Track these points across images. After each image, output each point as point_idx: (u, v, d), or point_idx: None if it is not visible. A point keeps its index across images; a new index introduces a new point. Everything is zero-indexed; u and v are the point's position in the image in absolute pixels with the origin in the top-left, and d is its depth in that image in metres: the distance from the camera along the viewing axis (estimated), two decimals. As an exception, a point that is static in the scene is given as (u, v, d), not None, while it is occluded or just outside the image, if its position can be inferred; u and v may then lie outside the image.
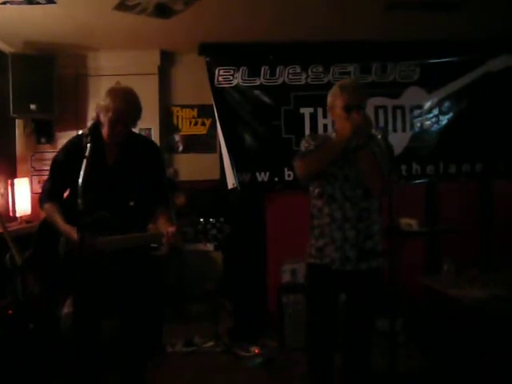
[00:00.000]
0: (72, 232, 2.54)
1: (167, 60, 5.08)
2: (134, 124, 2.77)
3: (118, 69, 4.84)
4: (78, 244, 2.41)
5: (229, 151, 4.67)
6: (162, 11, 3.91)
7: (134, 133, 2.92)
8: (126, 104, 2.62)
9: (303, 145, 2.78)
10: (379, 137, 2.67)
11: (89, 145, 2.44)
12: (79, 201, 2.34)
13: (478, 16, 4.22)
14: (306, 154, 2.72)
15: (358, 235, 2.68)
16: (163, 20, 4.11)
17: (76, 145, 2.66)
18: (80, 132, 2.74)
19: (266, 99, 4.77)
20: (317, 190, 2.77)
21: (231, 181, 4.70)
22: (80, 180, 2.36)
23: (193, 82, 5.01)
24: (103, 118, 2.64)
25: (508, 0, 3.93)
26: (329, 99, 2.76)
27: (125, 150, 2.77)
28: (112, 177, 2.74)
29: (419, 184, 4.86)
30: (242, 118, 4.74)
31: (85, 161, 2.40)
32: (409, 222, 4.54)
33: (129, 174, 2.77)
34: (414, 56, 4.83)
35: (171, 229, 2.56)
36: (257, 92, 4.76)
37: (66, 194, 2.84)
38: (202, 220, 2.53)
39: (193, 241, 2.59)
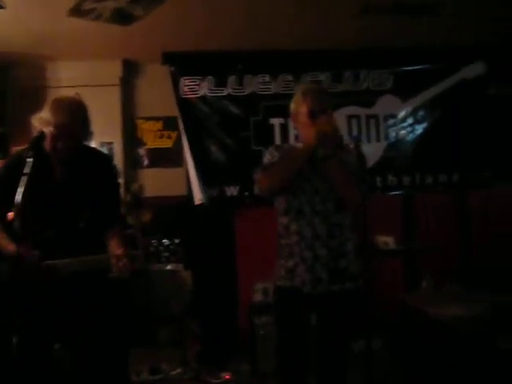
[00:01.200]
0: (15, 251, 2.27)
1: (130, 70, 4.84)
2: (84, 138, 2.52)
3: (79, 80, 4.58)
4: (23, 267, 2.16)
5: (195, 165, 4.44)
6: (121, 17, 3.69)
7: (86, 146, 2.66)
8: (70, 117, 2.36)
9: (266, 157, 2.58)
10: (351, 146, 2.47)
11: (29, 160, 2.19)
12: (16, 221, 2.08)
13: (451, 23, 4.11)
14: (269, 166, 2.52)
15: (330, 254, 2.46)
16: (124, 27, 3.89)
17: (17, 160, 2.40)
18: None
19: (234, 110, 4.56)
20: (283, 206, 2.56)
21: (198, 196, 4.46)
22: (18, 198, 2.11)
23: (157, 93, 4.77)
24: (46, 132, 2.38)
25: (480, 7, 3.83)
26: (292, 106, 2.57)
27: (74, 166, 2.51)
28: (59, 195, 2.48)
29: (395, 196, 4.68)
30: (209, 129, 4.52)
31: (25, 177, 2.15)
32: (385, 240, 4.31)
33: (78, 191, 2.50)
34: (387, 64, 4.69)
35: (119, 252, 2.31)
36: (224, 102, 4.55)
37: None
38: (154, 241, 2.28)
39: (146, 264, 2.34)
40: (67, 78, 4.63)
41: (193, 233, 4.63)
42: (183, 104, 4.49)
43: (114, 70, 4.73)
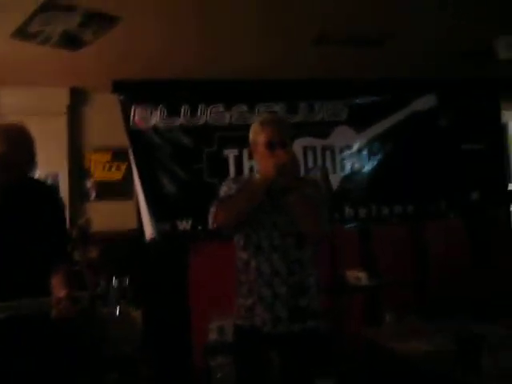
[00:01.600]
0: None
1: (78, 98, 4.62)
2: (28, 169, 2.32)
3: (23, 107, 4.33)
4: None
5: (146, 198, 4.24)
6: (70, 41, 3.49)
7: (30, 178, 2.45)
8: (10, 146, 2.16)
9: (223, 189, 2.49)
10: (318, 175, 2.38)
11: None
12: None
13: (402, 55, 4.13)
14: (225, 199, 2.41)
15: (290, 291, 2.36)
16: (72, 53, 3.70)
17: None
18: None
19: (187, 141, 4.42)
20: (241, 241, 2.44)
21: (149, 231, 4.25)
22: None
23: (107, 123, 4.55)
24: None
25: (428, 40, 3.86)
26: (250, 137, 2.48)
27: (13, 199, 2.29)
28: (-5, 229, 2.24)
29: (352, 228, 4.62)
30: (160, 161, 4.35)
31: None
32: (357, 275, 4.13)
33: (17, 226, 2.28)
34: (341, 95, 4.68)
35: (61, 294, 2.10)
36: (177, 133, 4.40)
37: None
38: (101, 282, 2.09)
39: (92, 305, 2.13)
40: (10, 105, 4.37)
41: (144, 269, 4.39)
42: (134, 134, 4.31)
43: (61, 97, 4.49)
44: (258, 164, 2.50)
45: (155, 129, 4.36)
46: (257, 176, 2.48)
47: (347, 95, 4.69)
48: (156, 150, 4.34)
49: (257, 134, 2.42)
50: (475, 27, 3.59)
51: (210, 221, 2.42)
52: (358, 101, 4.71)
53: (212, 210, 2.41)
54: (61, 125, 4.48)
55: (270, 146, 2.34)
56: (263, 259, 2.36)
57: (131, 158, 4.33)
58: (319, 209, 2.37)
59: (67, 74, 4.27)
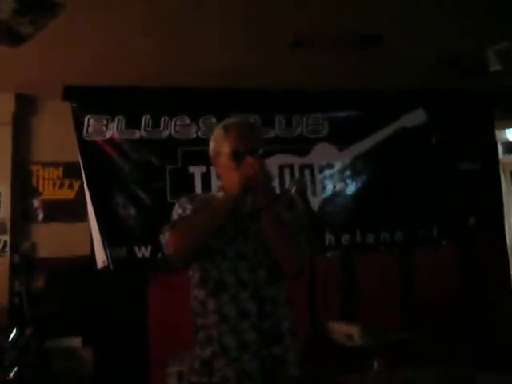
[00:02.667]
0: None
1: (25, 106, 4.09)
2: None
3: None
4: None
5: (98, 220, 3.70)
6: (6, 35, 2.98)
7: None
8: None
9: (176, 210, 1.99)
10: (292, 191, 1.88)
11: None
12: None
13: (390, 62, 3.71)
14: (179, 223, 1.92)
15: (262, 339, 1.85)
16: (14, 51, 3.19)
17: None
18: None
19: (148, 156, 3.90)
20: (198, 275, 1.96)
21: (101, 257, 3.70)
22: None
23: (59, 135, 4.02)
24: None
25: (418, 49, 3.50)
26: (211, 146, 2.02)
27: None
28: None
29: (333, 257, 4.11)
30: (116, 178, 3.82)
31: None
32: (348, 332, 3.24)
33: None
34: (321, 108, 4.22)
35: None
36: (136, 147, 3.88)
37: None
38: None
39: None
40: None
41: (97, 301, 3.86)
42: (86, 147, 3.79)
43: (6, 105, 3.96)
44: (222, 179, 2.04)
45: (111, 142, 3.84)
46: (219, 194, 2.02)
47: (328, 108, 4.24)
48: (112, 165, 3.82)
49: (219, 143, 1.97)
50: (467, 33, 3.20)
51: (165, 248, 1.94)
52: (340, 115, 4.25)
53: (163, 236, 1.96)
54: (4, 136, 3.96)
55: (236, 155, 1.89)
56: (227, 299, 1.87)
57: (83, 174, 3.78)
58: (298, 234, 1.92)
59: (13, 79, 3.76)
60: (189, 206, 1.96)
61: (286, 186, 3.99)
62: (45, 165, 4.10)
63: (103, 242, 3.68)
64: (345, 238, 4.09)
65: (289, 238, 1.87)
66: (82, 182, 3.93)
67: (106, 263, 3.70)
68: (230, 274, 1.88)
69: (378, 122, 4.29)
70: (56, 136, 4.03)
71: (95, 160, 3.79)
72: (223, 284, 1.88)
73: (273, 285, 1.91)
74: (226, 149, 1.93)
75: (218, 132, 2.01)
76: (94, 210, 3.70)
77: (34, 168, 4.09)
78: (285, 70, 3.73)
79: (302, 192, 1.86)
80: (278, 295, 1.93)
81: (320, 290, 1.78)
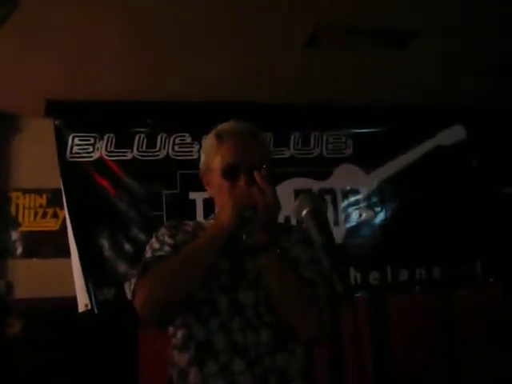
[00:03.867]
0: None
1: (5, 125, 3.59)
2: None
3: None
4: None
5: (81, 256, 3.14)
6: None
7: None
8: None
9: (151, 245, 1.48)
10: (303, 214, 1.29)
11: None
12: None
13: (423, 72, 3.19)
14: (152, 266, 1.39)
15: None
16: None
17: None
18: None
19: (142, 179, 3.34)
20: (179, 333, 1.43)
21: (83, 300, 3.13)
22: None
23: (42, 157, 3.48)
24: None
25: (456, 60, 3.03)
26: (202, 159, 1.54)
27: None
28: None
29: (360, 299, 3.48)
30: (104, 206, 3.27)
31: None
32: None
33: None
34: (345, 124, 3.66)
35: None
36: (128, 169, 3.33)
37: None
38: None
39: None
40: None
41: (81, 351, 3.29)
42: (69, 170, 3.25)
43: (-20, 123, 3.48)
44: (216, 202, 1.53)
45: (99, 164, 3.30)
46: (210, 222, 1.51)
47: (352, 125, 3.67)
48: (98, 191, 3.27)
49: (210, 155, 1.49)
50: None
51: (134, 301, 1.37)
52: (366, 131, 3.67)
53: (128, 283, 1.48)
54: (-22, 158, 3.44)
55: (229, 173, 1.41)
56: (214, 369, 1.33)
57: (64, 201, 3.24)
58: (315, 285, 1.38)
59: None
60: (168, 241, 1.44)
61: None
62: (26, 191, 3.57)
63: (86, 282, 3.11)
64: (373, 276, 3.46)
65: (301, 292, 1.32)
66: (67, 211, 3.41)
67: (90, 306, 3.11)
68: (221, 335, 1.35)
69: (409, 139, 3.71)
70: (39, 158, 3.50)
71: (79, 185, 3.26)
72: (211, 348, 1.35)
73: (281, 351, 1.35)
74: (217, 163, 1.44)
75: (209, 141, 1.51)
76: (77, 243, 3.14)
77: (14, 195, 3.57)
78: (300, 81, 3.22)
79: (319, 215, 1.26)
80: (290, 366, 1.36)
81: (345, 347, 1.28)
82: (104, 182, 3.29)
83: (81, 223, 3.19)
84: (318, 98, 3.48)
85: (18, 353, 3.32)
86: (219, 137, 1.47)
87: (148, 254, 1.45)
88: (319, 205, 1.25)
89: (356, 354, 1.12)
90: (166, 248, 1.43)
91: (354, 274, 3.45)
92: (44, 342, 3.35)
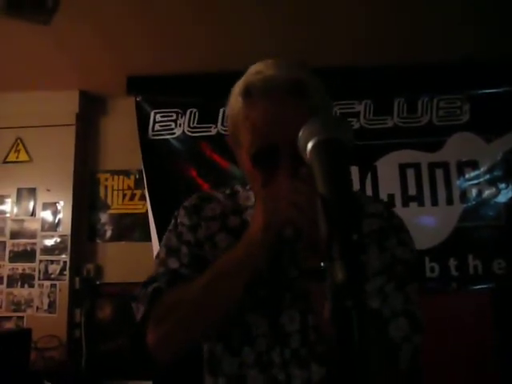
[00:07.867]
0: None
1: (91, 105, 3.51)
2: None
3: (19, 118, 3.37)
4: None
5: (161, 239, 2.92)
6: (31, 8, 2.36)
7: None
8: None
9: (166, 242, 1.11)
10: (309, 148, 0.72)
11: None
12: None
13: None
14: (167, 289, 1.04)
15: None
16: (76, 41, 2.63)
17: None
18: None
19: (227, 157, 3.07)
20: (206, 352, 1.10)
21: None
22: None
23: (129, 138, 3.34)
24: None
25: None
26: (228, 120, 1.05)
27: None
28: None
29: (480, 292, 2.92)
30: (186, 186, 3.04)
31: None
32: None
33: None
34: (460, 85, 3.09)
35: None
36: (212, 145, 3.07)
37: None
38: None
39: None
40: (4, 117, 3.38)
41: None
42: (150, 149, 3.07)
43: (68, 104, 3.41)
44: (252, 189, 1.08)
45: (181, 139, 3.08)
46: (248, 195, 1.11)
47: (469, 85, 3.09)
48: (180, 169, 3.05)
49: (236, 119, 0.99)
50: None
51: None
52: (486, 92, 3.08)
53: (135, 305, 1.10)
54: (67, 140, 3.39)
55: (264, 159, 0.94)
56: None
57: (145, 180, 3.06)
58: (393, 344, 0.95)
59: (74, 74, 3.20)
60: (187, 237, 1.07)
61: (410, 193, 2.93)
62: (113, 173, 3.48)
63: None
64: (497, 265, 2.90)
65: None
66: (154, 193, 3.24)
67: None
68: (258, 371, 1.00)
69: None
70: (127, 140, 3.36)
71: (160, 164, 3.07)
72: (243, 380, 1.00)
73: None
74: (246, 138, 0.97)
75: (234, 98, 0.99)
76: (156, 226, 2.94)
77: (102, 177, 3.49)
78: (402, 39, 2.73)
79: (335, 151, 0.69)
80: None
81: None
82: (186, 158, 3.07)
83: (161, 204, 2.99)
84: (423, 59, 2.97)
85: (108, 338, 3.23)
86: (247, 93, 0.96)
87: (162, 253, 1.09)
88: (338, 133, 0.73)
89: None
90: (184, 250, 1.06)
91: (472, 263, 2.92)
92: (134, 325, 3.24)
